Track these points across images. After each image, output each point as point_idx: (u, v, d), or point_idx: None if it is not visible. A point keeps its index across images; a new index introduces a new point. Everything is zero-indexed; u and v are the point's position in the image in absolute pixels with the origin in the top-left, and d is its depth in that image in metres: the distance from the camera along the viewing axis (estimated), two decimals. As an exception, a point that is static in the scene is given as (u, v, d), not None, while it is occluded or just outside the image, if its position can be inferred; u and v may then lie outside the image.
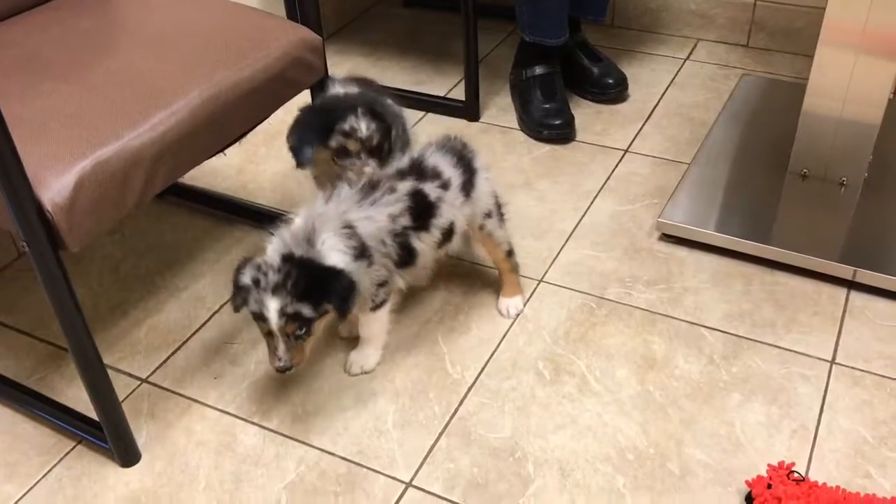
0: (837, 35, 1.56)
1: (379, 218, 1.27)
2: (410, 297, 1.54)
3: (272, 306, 1.18)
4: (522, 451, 1.29)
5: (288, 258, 1.19)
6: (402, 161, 1.35)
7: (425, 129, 2.04)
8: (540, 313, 1.53)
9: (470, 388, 1.39)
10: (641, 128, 2.01)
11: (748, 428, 1.30)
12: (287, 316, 1.18)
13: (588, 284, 1.58)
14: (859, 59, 1.57)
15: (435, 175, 1.33)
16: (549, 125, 1.96)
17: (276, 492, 1.24)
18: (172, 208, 1.83)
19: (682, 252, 1.64)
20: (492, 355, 1.45)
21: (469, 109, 2.06)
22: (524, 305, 1.54)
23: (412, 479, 1.25)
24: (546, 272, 1.62)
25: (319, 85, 1.45)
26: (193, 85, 1.20)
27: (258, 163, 1.96)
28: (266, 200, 1.82)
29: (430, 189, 1.32)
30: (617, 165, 1.89)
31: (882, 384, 1.36)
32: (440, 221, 1.33)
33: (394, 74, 2.26)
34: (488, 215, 1.44)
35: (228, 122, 1.24)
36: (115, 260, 1.70)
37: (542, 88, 2.00)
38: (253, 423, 1.35)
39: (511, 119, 2.07)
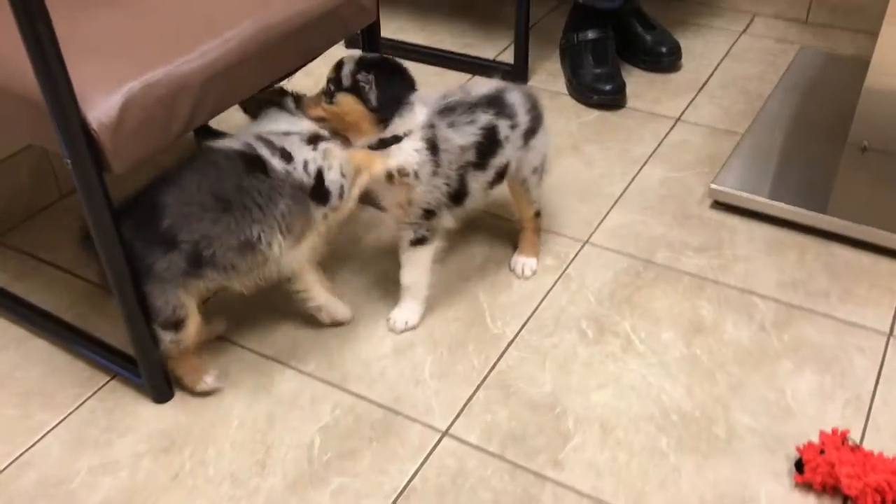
0: None
1: (452, 143, 1.27)
2: (451, 252, 1.51)
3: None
4: (563, 406, 1.25)
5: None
6: (482, 89, 1.34)
7: (472, 92, 2.00)
8: (584, 274, 1.49)
9: (510, 344, 1.36)
10: (694, 97, 1.95)
11: (799, 395, 1.25)
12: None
13: (635, 248, 1.54)
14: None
15: (511, 114, 1.33)
16: (599, 90, 1.91)
17: (310, 434, 1.22)
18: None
19: (734, 220, 1.59)
20: (533, 312, 1.41)
21: (517, 73, 2.02)
22: (558, 269, 1.50)
23: (448, 428, 1.22)
24: (592, 234, 1.57)
25: (369, 31, 1.42)
26: (245, 15, 1.18)
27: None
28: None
29: (503, 127, 1.31)
30: (668, 133, 1.84)
31: (942, 360, 1.30)
32: (497, 161, 1.32)
33: (441, 38, 2.22)
34: (534, 171, 1.41)
35: (278, 55, 1.22)
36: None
37: (594, 53, 1.95)
38: (289, 367, 1.33)
39: (560, 85, 2.02)
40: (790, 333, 1.35)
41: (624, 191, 1.68)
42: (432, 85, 2.04)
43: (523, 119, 1.35)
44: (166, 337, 1.20)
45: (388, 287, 1.44)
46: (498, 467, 1.17)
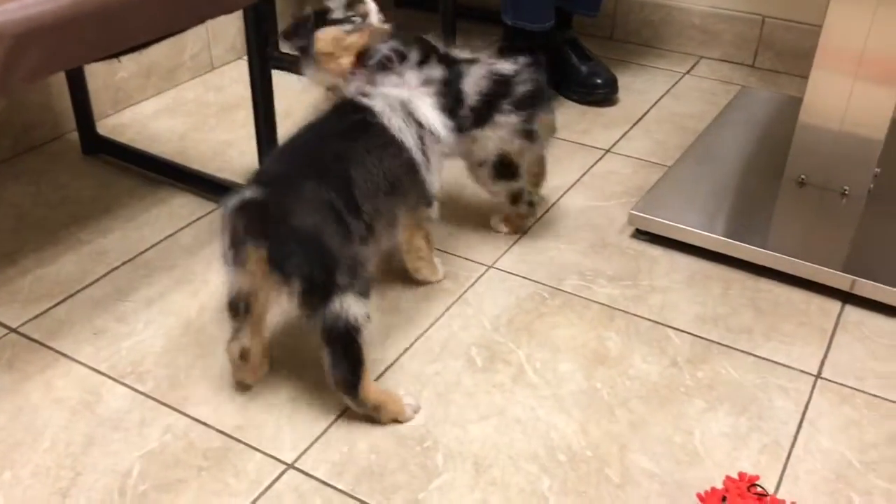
0: (834, 59, 1.42)
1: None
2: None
3: None
4: (434, 439, 1.07)
5: None
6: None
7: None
8: (483, 299, 1.32)
9: (387, 369, 1.18)
10: (628, 131, 1.83)
11: (709, 439, 1.07)
12: None
13: (543, 274, 1.38)
14: (857, 84, 1.41)
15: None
16: (526, 117, 1.79)
17: (130, 460, 1.03)
18: (101, 165, 1.65)
19: (656, 251, 1.44)
20: (419, 337, 1.24)
21: (442, 98, 1.89)
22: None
23: (295, 461, 1.03)
24: (498, 259, 1.41)
25: (255, 10, 1.29)
26: (86, -28, 1.04)
27: (205, 132, 1.79)
28: (203, 167, 1.65)
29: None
30: (595, 163, 1.71)
31: (875, 404, 1.13)
32: None
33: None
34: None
35: (126, 21, 1.07)
36: (22, 209, 1.52)
37: (523, 80, 1.83)
38: (123, 384, 1.14)
39: (488, 113, 1.89)
40: (705, 370, 1.18)
41: (540, 217, 1.53)
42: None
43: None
44: (364, 310, 1.03)
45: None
46: (345, 506, 0.98)
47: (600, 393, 1.14)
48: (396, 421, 1.09)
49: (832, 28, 1.41)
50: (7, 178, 1.61)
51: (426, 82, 1.26)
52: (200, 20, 1.19)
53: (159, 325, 1.25)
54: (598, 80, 1.92)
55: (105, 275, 1.35)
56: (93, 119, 1.69)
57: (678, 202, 1.49)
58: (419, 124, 1.20)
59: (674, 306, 1.31)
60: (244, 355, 1.10)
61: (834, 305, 1.31)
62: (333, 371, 1.04)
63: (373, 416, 1.08)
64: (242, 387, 1.14)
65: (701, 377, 1.17)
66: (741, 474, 0.97)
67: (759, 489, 0.95)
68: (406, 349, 1.22)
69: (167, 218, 1.49)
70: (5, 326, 1.24)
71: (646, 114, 1.90)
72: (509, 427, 1.09)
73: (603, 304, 1.31)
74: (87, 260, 1.39)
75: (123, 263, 1.38)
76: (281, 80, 1.55)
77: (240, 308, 1.06)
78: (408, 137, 1.17)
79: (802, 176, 1.52)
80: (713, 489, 0.96)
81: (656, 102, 1.95)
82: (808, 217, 1.48)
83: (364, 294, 1.03)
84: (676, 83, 2.05)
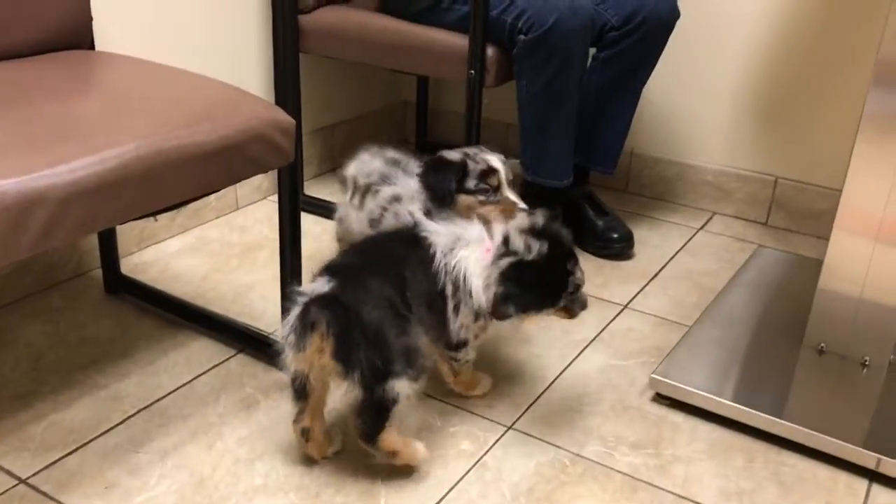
0: (854, 222, 1.44)
1: None
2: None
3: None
4: None
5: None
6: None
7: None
8: (503, 462, 1.30)
9: (403, 538, 1.15)
10: (645, 286, 1.85)
11: None
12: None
13: (564, 438, 1.36)
14: (878, 248, 1.43)
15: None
16: (544, 270, 1.81)
17: None
18: (123, 305, 1.66)
19: (677, 417, 1.42)
20: (438, 503, 1.21)
21: (462, 247, 1.92)
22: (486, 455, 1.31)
23: None
24: (518, 419, 1.40)
25: (289, 170, 1.33)
26: (133, 137, 1.08)
27: (227, 272, 1.81)
28: (224, 310, 1.65)
29: None
30: (614, 319, 1.71)
31: None
32: None
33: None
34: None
35: (166, 183, 1.11)
36: (39, 349, 1.52)
37: (542, 232, 1.86)
38: (126, 542, 1.11)
39: (506, 263, 1.92)
40: (732, 552, 1.15)
41: (559, 374, 1.52)
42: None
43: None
44: (410, 388, 1.17)
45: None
46: None
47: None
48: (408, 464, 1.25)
49: (852, 192, 1.43)
50: (27, 315, 1.61)
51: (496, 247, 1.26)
52: (237, 180, 1.22)
53: (172, 479, 1.23)
54: (615, 235, 1.95)
55: (120, 423, 1.34)
56: (118, 258, 1.71)
57: (697, 367, 1.49)
58: (463, 277, 1.25)
59: (697, 479, 1.28)
60: (305, 434, 1.24)
61: (861, 484, 1.29)
62: (358, 421, 1.18)
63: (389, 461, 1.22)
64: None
65: (728, 560, 1.13)
66: None
67: None
68: (423, 516, 1.19)
69: (185, 364, 1.49)
70: (14, 476, 1.22)
71: (662, 269, 1.92)
72: None
73: (625, 475, 1.28)
74: (102, 406, 1.37)
75: (139, 411, 1.37)
76: (305, 223, 1.57)
77: (299, 390, 1.19)
78: (444, 277, 1.24)
79: (822, 344, 1.52)
80: None
81: (672, 258, 1.98)
82: (829, 387, 1.47)
83: (415, 380, 1.17)
84: (691, 239, 2.08)
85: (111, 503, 1.18)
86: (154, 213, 1.14)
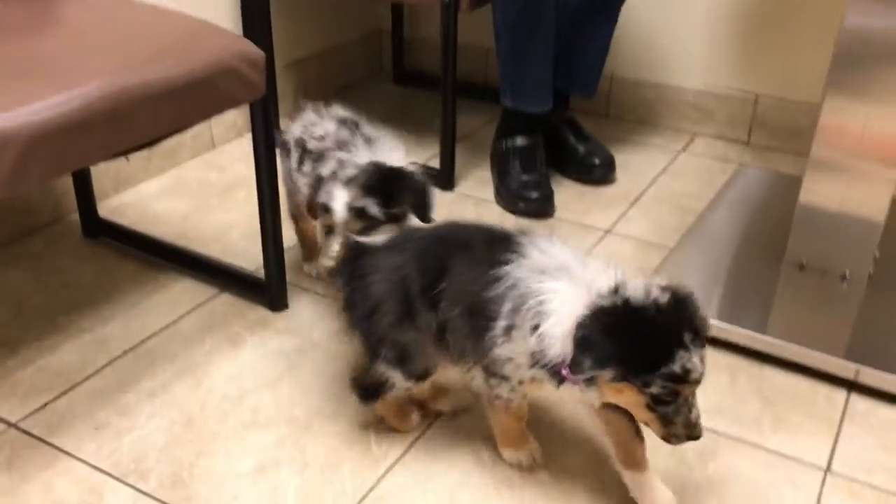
0: (833, 137, 1.44)
1: None
2: (341, 357, 1.34)
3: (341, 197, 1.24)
4: (442, 543, 1.05)
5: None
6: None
7: (394, 196, 1.89)
8: (489, 389, 1.31)
9: (391, 467, 1.16)
10: (627, 211, 1.85)
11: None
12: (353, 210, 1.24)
13: (548, 363, 1.37)
14: (856, 163, 1.43)
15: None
16: (526, 198, 1.80)
17: (132, 568, 1.01)
18: (102, 249, 1.65)
19: (660, 337, 1.44)
20: (423, 432, 1.23)
21: (443, 177, 1.91)
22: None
23: (301, 567, 1.02)
24: (502, 346, 1.41)
25: (261, 105, 1.30)
26: (97, 75, 1.05)
27: (206, 212, 1.80)
28: (206, 250, 1.64)
29: None
30: (596, 244, 1.72)
31: (885, 500, 1.12)
32: None
33: (370, 142, 2.12)
34: None
35: (134, 122, 1.09)
36: (21, 295, 1.51)
37: (522, 160, 1.85)
38: (126, 484, 1.12)
39: (488, 192, 1.91)
40: (716, 466, 1.17)
41: (543, 301, 1.53)
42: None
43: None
44: (405, 383, 1.12)
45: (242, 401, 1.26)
46: None
47: (610, 492, 1.13)
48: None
49: (831, 109, 1.42)
50: (6, 262, 1.60)
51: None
52: (207, 117, 1.20)
53: (161, 418, 1.24)
54: (596, 160, 1.94)
55: (106, 365, 1.34)
56: (94, 201, 1.69)
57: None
58: (537, 309, 0.96)
59: (680, 396, 1.30)
60: None
61: (840, 394, 1.31)
62: (354, 378, 1.17)
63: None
64: (245, 487, 1.12)
65: (712, 473, 1.16)
66: None
67: None
68: (411, 445, 1.20)
69: (168, 304, 1.49)
70: (5, 422, 1.22)
71: (643, 193, 1.92)
72: (519, 528, 1.07)
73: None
74: (88, 349, 1.37)
75: (125, 353, 1.37)
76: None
77: None
78: (505, 290, 0.99)
79: (803, 260, 1.53)
80: None
81: (654, 181, 1.97)
82: (810, 302, 1.48)
83: (410, 378, 1.11)
84: (673, 161, 2.07)
85: (102, 443, 1.19)
86: (125, 153, 1.12)
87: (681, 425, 0.95)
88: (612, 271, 0.97)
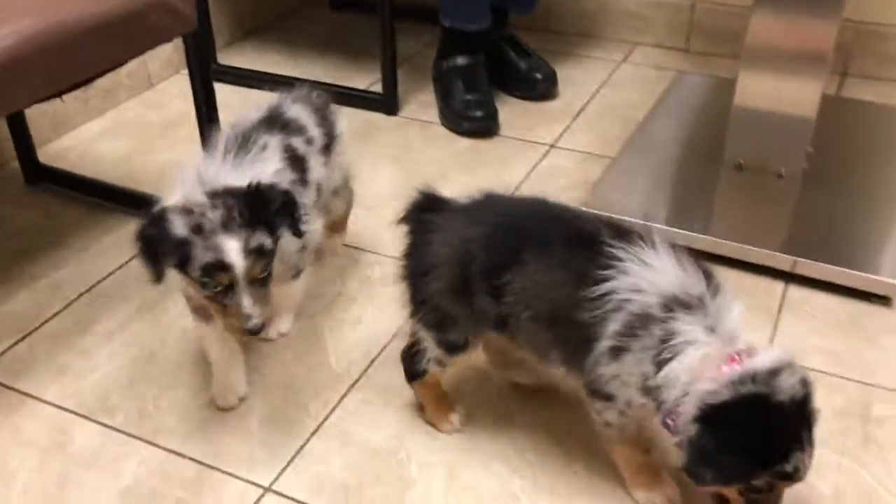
0: (764, 41, 1.46)
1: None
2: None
3: (233, 246, 0.96)
4: (406, 451, 1.10)
5: (214, 193, 1.00)
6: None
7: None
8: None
9: (353, 385, 1.20)
10: (570, 124, 1.87)
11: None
12: (253, 252, 0.97)
13: (500, 276, 1.41)
14: (786, 63, 1.46)
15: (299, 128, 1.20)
16: (470, 117, 1.81)
17: (108, 497, 1.04)
18: (45, 195, 1.64)
19: (607, 244, 1.48)
20: (384, 348, 1.26)
21: (387, 102, 1.91)
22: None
23: (272, 484, 1.05)
24: (454, 263, 1.44)
25: (194, 38, 1.29)
26: (30, 10, 1.03)
27: (149, 152, 1.78)
28: (152, 189, 1.63)
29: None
30: (542, 160, 1.74)
31: (820, 380, 1.19)
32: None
33: (312, 70, 2.10)
34: (335, 192, 1.33)
35: (69, 58, 1.07)
36: (-32, 246, 1.50)
37: (464, 80, 1.85)
38: (93, 421, 1.15)
39: (433, 115, 1.91)
40: (662, 359, 1.23)
41: (492, 218, 1.56)
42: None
43: (316, 134, 1.22)
44: (435, 350, 1.06)
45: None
46: (325, 525, 1.01)
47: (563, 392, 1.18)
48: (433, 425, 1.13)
49: (760, 11, 1.45)
50: (-50, 214, 1.58)
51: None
52: (140, 52, 1.19)
53: (123, 356, 1.25)
54: (538, 76, 1.95)
55: (63, 308, 1.35)
56: (33, 147, 1.66)
57: (623, 195, 1.54)
58: (661, 351, 0.88)
59: (627, 298, 1.35)
60: None
61: (778, 286, 1.38)
62: (402, 355, 1.12)
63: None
64: (212, 414, 1.15)
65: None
66: None
67: None
68: (371, 363, 1.24)
69: (119, 246, 1.48)
70: (-35, 371, 1.23)
71: (586, 106, 1.94)
72: (478, 431, 1.12)
73: (559, 302, 1.35)
74: (42, 294, 1.38)
75: (80, 295, 1.37)
76: (223, 94, 1.54)
77: None
78: (606, 324, 0.90)
79: (740, 160, 1.58)
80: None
81: (596, 93, 1.99)
82: (749, 200, 1.54)
83: (448, 351, 1.04)
84: (613, 72, 2.09)
85: (66, 385, 1.21)
86: (60, 94, 1.10)
87: None
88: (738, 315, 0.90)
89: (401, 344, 1.26)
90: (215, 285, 0.97)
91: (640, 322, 0.88)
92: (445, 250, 1.00)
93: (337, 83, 2.01)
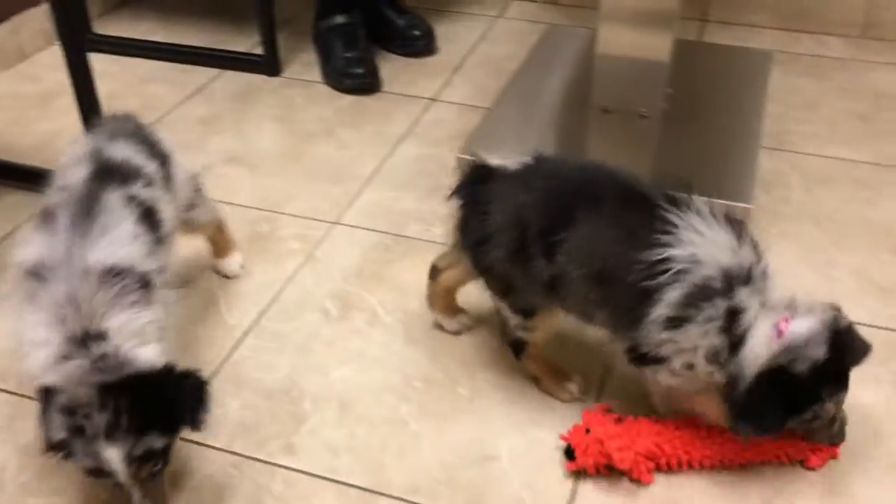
0: None
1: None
2: (186, 247, 1.39)
3: (114, 455, 0.86)
4: (300, 389, 1.15)
5: (104, 388, 0.86)
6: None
7: (223, 87, 1.90)
8: (332, 255, 1.40)
9: (246, 333, 1.25)
10: (450, 78, 1.94)
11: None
12: (139, 459, 0.88)
13: (386, 224, 1.47)
14: (641, 10, 1.56)
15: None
16: (352, 74, 1.86)
17: (3, 455, 1.06)
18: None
19: (486, 189, 1.56)
20: (274, 298, 1.31)
21: (268, 64, 1.93)
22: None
23: (171, 429, 1.09)
24: (342, 215, 1.49)
25: (62, 4, 1.28)
26: None
27: (26, 124, 1.76)
28: (34, 161, 1.62)
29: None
30: (424, 113, 1.80)
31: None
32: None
33: (190, 35, 2.09)
34: (191, 207, 1.21)
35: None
36: None
37: (344, 38, 1.89)
38: (-15, 386, 1.16)
39: (316, 74, 1.95)
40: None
41: (376, 170, 1.62)
42: (182, 83, 1.92)
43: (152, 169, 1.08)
44: (514, 318, 1.09)
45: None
46: (225, 462, 1.05)
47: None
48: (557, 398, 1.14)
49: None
50: None
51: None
52: (3, 18, 1.18)
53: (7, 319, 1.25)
54: (417, 32, 2.00)
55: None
56: None
57: (500, 141, 1.61)
58: (731, 314, 0.93)
59: (505, 236, 1.44)
60: (433, 275, 1.22)
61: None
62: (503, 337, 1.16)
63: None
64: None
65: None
66: (597, 406, 1.07)
67: (614, 415, 1.04)
68: (263, 312, 1.29)
69: (2, 219, 1.47)
70: None
71: (465, 60, 2.01)
72: (368, 366, 1.19)
73: (443, 245, 1.42)
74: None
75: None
76: (102, 64, 1.54)
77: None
78: (664, 290, 0.93)
79: (606, 104, 1.68)
80: (576, 426, 1.04)
81: (473, 48, 2.06)
82: (616, 140, 1.64)
83: (524, 316, 1.08)
84: (490, 27, 2.17)
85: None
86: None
87: (825, 437, 1.01)
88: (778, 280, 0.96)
89: (292, 292, 1.32)
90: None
91: (703, 294, 0.92)
92: (501, 218, 1.03)
93: (217, 47, 2.02)
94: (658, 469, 1.03)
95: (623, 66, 1.62)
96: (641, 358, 1.00)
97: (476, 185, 1.07)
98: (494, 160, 1.08)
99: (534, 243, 1.00)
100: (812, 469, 1.03)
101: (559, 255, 0.99)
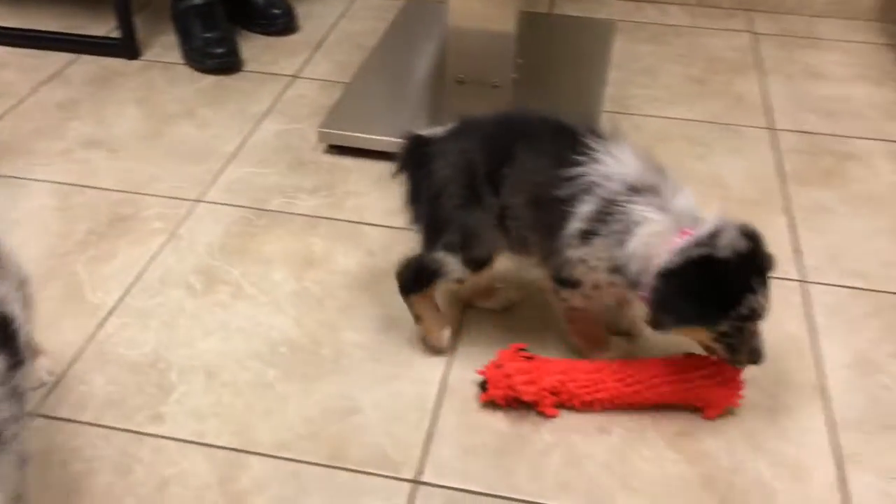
0: None
1: None
2: (47, 232, 1.38)
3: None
4: (166, 362, 1.18)
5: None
6: None
7: (80, 72, 1.87)
8: (195, 232, 1.43)
9: (111, 312, 1.27)
10: (311, 56, 1.97)
11: (396, 301, 1.26)
12: None
13: (248, 199, 1.51)
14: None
15: None
16: (211, 54, 1.87)
17: None
18: None
19: (348, 161, 1.62)
20: (138, 277, 1.33)
21: (126, 47, 1.92)
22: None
23: (35, 408, 1.11)
24: (205, 193, 1.52)
25: None
26: None
27: None
28: None
29: None
30: (285, 90, 1.84)
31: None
32: None
33: (44, 20, 2.05)
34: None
35: None
36: None
37: (202, 18, 1.90)
38: None
39: (177, 56, 1.94)
40: (396, 254, 1.38)
41: (239, 148, 1.64)
42: (35, 69, 1.88)
43: None
44: (461, 271, 1.13)
45: None
46: (92, 435, 1.08)
47: (310, 290, 1.31)
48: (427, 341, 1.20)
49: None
50: None
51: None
52: None
53: None
54: (277, 11, 2.03)
55: None
56: None
57: (359, 115, 1.67)
58: (624, 230, 1.02)
59: (366, 206, 1.50)
60: None
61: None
62: (403, 270, 1.18)
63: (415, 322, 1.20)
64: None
65: (392, 260, 1.36)
66: (512, 346, 1.14)
67: (525, 354, 1.13)
68: (127, 289, 1.30)
69: None
70: None
71: (326, 38, 2.05)
72: (233, 336, 1.23)
73: (306, 216, 1.47)
74: None
75: None
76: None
77: None
78: (577, 204, 1.04)
79: (460, 75, 1.75)
80: (491, 361, 1.13)
81: (334, 25, 2.10)
82: (469, 109, 1.69)
83: (466, 265, 1.13)
84: (350, 5, 2.21)
85: None
86: None
87: (744, 353, 1.05)
88: (689, 198, 1.04)
89: (156, 270, 1.34)
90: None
91: (608, 207, 1.03)
92: (449, 171, 1.10)
93: (71, 31, 1.99)
94: (562, 405, 1.12)
95: (474, 39, 1.70)
96: (563, 282, 1.11)
97: (414, 152, 1.15)
98: (424, 130, 1.17)
99: (482, 184, 1.10)
100: (708, 419, 1.11)
101: (504, 189, 1.09)
